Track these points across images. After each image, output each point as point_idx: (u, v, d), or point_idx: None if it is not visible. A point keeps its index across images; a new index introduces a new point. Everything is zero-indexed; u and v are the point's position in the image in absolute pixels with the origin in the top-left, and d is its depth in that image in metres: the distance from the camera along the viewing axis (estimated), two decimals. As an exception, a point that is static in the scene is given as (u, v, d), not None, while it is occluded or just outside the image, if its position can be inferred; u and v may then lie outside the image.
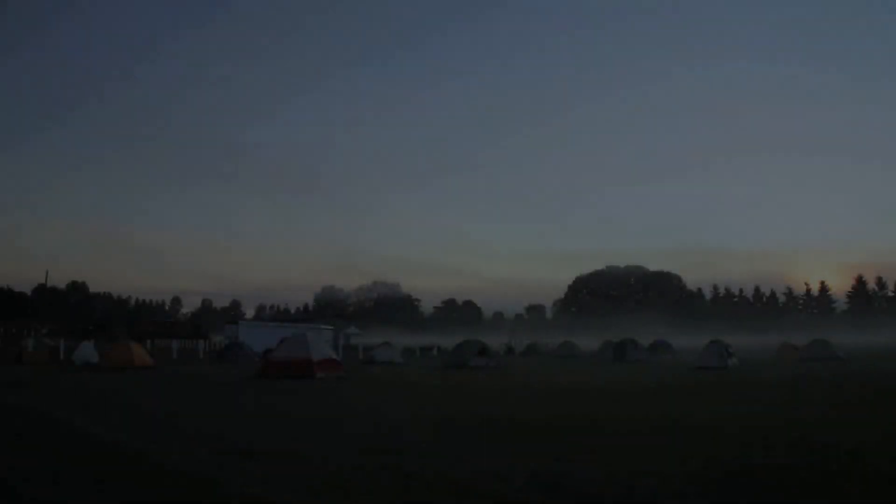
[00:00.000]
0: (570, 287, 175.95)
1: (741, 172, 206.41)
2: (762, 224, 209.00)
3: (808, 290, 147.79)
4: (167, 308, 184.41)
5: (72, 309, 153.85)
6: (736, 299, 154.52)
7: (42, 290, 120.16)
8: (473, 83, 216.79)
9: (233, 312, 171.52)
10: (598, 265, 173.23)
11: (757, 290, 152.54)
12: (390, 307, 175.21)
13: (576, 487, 5.41)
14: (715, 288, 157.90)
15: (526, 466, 6.28)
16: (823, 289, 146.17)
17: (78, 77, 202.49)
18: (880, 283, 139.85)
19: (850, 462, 6.34)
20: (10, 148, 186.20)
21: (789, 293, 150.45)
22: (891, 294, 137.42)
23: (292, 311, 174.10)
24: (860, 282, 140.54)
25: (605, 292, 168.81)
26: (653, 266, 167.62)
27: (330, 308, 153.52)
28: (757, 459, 6.50)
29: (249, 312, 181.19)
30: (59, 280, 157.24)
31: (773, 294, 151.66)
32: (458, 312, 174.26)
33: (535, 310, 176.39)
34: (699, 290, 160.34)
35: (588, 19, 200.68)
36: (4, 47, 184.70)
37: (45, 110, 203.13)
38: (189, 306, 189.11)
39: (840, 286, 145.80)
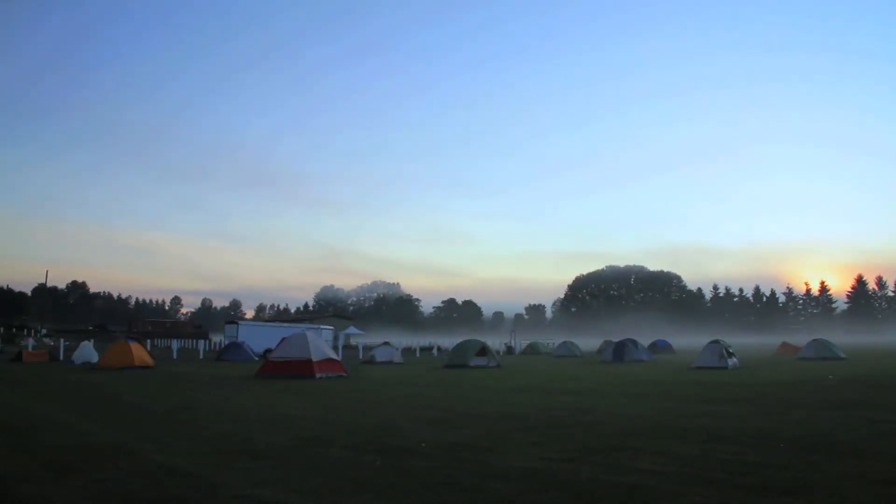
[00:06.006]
0: (570, 287, 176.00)
1: (742, 173, 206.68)
2: (763, 224, 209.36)
3: (808, 290, 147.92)
4: (167, 308, 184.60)
5: (72, 309, 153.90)
6: (736, 299, 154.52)
7: (42, 290, 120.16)
8: (472, 81, 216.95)
9: (233, 312, 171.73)
10: (598, 265, 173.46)
11: (757, 290, 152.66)
12: (390, 307, 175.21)
13: (575, 486, 5.40)
14: (715, 288, 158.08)
15: (527, 466, 6.27)
16: (823, 289, 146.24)
17: (77, 77, 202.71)
18: (880, 283, 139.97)
19: (854, 461, 6.33)
20: (10, 148, 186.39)
21: (789, 293, 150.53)
22: (891, 294, 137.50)
23: (292, 311, 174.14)
24: (860, 282, 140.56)
25: (605, 292, 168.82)
26: (653, 266, 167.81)
27: (330, 308, 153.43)
28: (755, 458, 6.48)
29: (249, 312, 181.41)
30: (59, 280, 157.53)
31: (773, 294, 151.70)
32: (458, 312, 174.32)
33: (535, 310, 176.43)
34: (699, 289, 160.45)
35: (587, 13, 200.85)
36: (4, 47, 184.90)
37: (45, 110, 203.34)
38: (189, 306, 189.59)
39: (840, 286, 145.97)
